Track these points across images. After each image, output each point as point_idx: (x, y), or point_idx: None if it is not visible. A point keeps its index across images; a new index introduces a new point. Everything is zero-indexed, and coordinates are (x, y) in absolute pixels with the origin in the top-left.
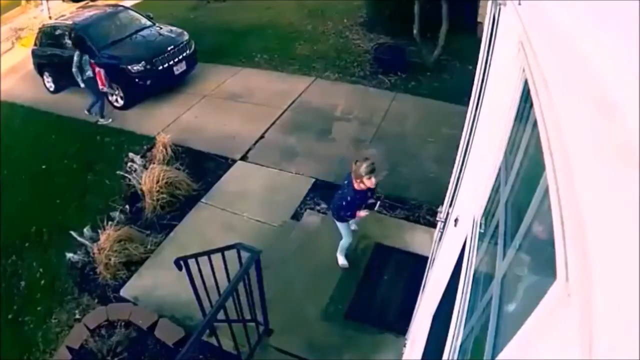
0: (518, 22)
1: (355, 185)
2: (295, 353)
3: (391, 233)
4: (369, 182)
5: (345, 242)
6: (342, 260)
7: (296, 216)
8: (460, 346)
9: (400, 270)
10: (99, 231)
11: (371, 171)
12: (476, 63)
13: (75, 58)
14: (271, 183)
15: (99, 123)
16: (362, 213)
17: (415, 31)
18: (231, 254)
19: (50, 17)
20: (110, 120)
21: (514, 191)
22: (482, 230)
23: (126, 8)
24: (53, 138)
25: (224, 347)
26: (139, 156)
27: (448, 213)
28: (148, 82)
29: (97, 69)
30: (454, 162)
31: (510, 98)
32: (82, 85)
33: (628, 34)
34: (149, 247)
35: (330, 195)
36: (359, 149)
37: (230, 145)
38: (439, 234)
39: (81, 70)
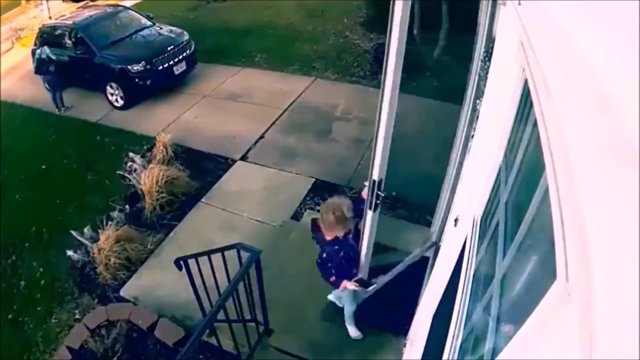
0: (518, 22)
1: (327, 236)
2: (295, 353)
3: (391, 233)
4: (349, 225)
5: (348, 309)
6: (352, 332)
7: (296, 216)
8: (460, 346)
9: (400, 271)
10: (99, 231)
11: (342, 219)
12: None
13: (37, 55)
14: (271, 183)
15: (63, 113)
16: (349, 285)
17: (415, 31)
18: (231, 254)
19: (50, 17)
20: (71, 106)
21: (514, 191)
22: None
23: (126, 8)
24: (53, 138)
25: (224, 347)
26: (139, 156)
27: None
28: (148, 82)
29: None
30: (454, 162)
31: (510, 98)
32: (42, 77)
33: (628, 33)
34: (148, 247)
35: (330, 195)
36: (358, 151)
37: (230, 145)
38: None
39: (42, 66)
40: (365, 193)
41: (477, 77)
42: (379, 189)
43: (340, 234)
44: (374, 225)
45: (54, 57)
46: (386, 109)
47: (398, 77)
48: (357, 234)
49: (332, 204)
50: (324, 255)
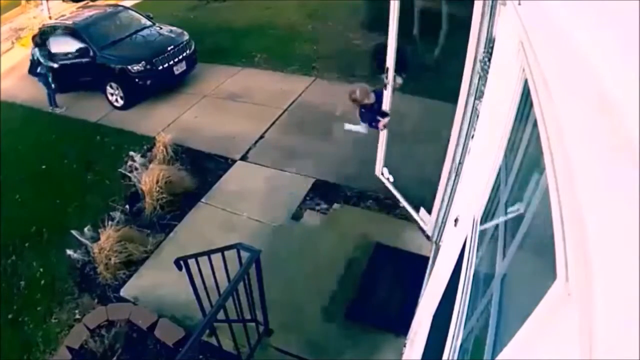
0: (518, 22)
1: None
2: (295, 353)
3: (391, 233)
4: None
5: (358, 129)
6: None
7: (296, 216)
8: (460, 346)
9: (400, 270)
10: (100, 231)
11: (356, 100)
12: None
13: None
14: (271, 183)
15: (57, 112)
16: (382, 123)
17: (415, 31)
18: (231, 254)
19: (50, 17)
20: (65, 108)
21: (514, 191)
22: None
23: (126, 8)
24: (53, 138)
25: (224, 347)
26: (139, 156)
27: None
28: (148, 82)
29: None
30: (453, 162)
31: (510, 98)
32: (36, 78)
33: (628, 33)
34: (149, 247)
35: (330, 195)
36: (358, 151)
37: (230, 145)
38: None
39: (38, 65)
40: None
41: (472, 76)
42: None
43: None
44: (388, 97)
45: (42, 60)
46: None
47: None
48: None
49: (350, 93)
50: (363, 111)
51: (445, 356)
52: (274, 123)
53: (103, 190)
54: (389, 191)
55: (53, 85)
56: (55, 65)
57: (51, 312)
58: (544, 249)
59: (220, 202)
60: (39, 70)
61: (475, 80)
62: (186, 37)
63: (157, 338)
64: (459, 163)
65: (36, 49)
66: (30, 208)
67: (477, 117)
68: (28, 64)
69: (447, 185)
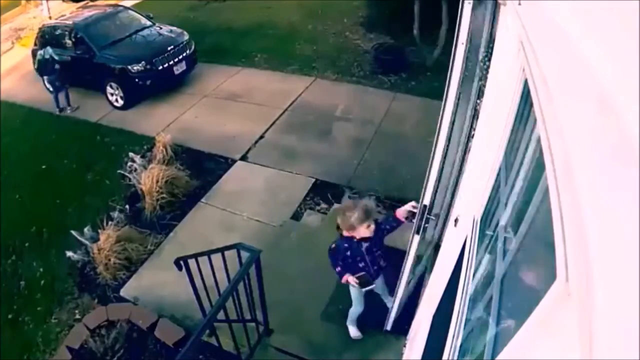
0: (518, 22)
1: (345, 232)
2: (295, 353)
3: (391, 233)
4: (367, 231)
5: (353, 310)
6: (353, 332)
7: (296, 216)
8: (460, 346)
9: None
10: (99, 231)
11: (366, 217)
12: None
13: (40, 56)
14: (271, 183)
15: (67, 113)
16: (350, 279)
17: (415, 31)
18: (231, 254)
19: (50, 17)
20: (77, 106)
21: (514, 191)
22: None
23: (126, 8)
24: (53, 138)
25: (224, 347)
26: (139, 156)
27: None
28: (148, 82)
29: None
30: (453, 162)
31: (510, 98)
32: (44, 77)
33: (628, 34)
34: (149, 247)
35: (330, 195)
36: (358, 151)
37: (230, 145)
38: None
39: (46, 66)
40: (400, 212)
41: (462, 77)
42: (429, 213)
43: (353, 234)
44: (414, 249)
45: (57, 57)
46: (444, 134)
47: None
48: (380, 242)
49: (346, 207)
50: (333, 245)
51: (445, 356)
52: (274, 123)
53: (103, 190)
54: (389, 191)
55: (57, 84)
56: (68, 59)
57: (51, 312)
58: (544, 249)
59: (220, 202)
60: (55, 67)
61: (476, 82)
62: (186, 37)
63: (157, 338)
64: (459, 163)
65: (48, 48)
66: (30, 208)
67: (477, 117)
68: (29, 63)
69: (447, 186)
